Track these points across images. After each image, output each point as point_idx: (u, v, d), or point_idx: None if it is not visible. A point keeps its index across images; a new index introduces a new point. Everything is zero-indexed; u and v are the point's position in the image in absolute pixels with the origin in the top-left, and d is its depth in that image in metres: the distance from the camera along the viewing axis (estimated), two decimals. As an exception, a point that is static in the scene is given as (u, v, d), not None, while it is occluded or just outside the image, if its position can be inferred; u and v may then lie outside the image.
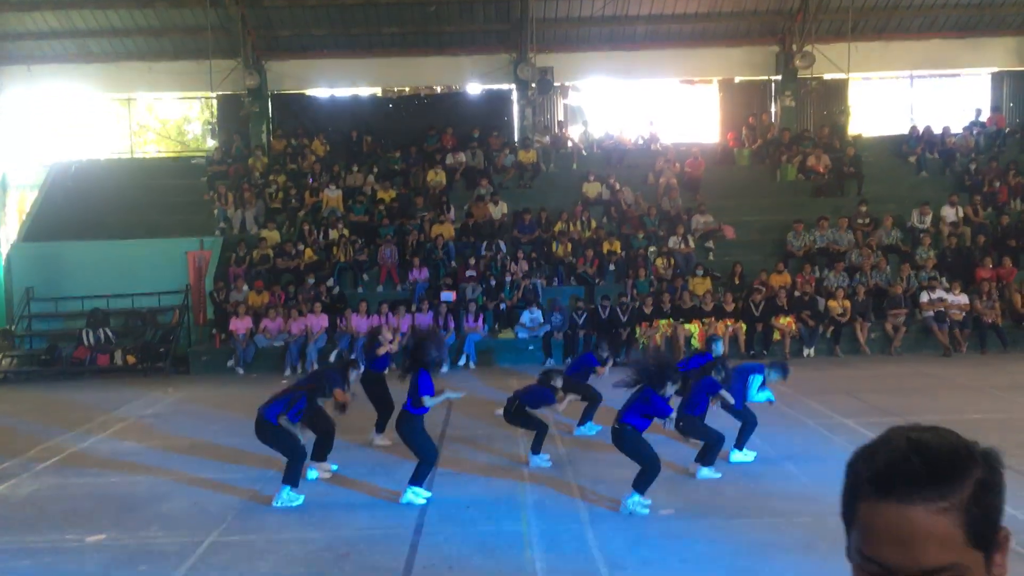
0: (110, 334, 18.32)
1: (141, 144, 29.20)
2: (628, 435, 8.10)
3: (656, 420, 8.30)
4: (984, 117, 24.11)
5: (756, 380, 9.70)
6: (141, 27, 23.17)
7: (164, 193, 22.41)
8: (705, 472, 8.97)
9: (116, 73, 23.76)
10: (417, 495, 8.26)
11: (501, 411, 12.23)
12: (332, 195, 21.21)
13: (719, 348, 11.68)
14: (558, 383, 10.28)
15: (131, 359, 17.75)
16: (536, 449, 9.71)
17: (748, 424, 9.56)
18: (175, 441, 11.31)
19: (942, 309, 17.47)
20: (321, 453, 9.45)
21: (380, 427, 10.72)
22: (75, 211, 21.42)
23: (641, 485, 7.90)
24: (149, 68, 23.56)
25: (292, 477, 8.34)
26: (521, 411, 10.01)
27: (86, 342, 18.03)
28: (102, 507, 8.56)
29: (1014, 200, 21.05)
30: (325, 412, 9.49)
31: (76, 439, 11.56)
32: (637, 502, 7.85)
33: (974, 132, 23.48)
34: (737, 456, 9.51)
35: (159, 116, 31.35)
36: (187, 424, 12.45)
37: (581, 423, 11.15)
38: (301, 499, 8.35)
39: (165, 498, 8.81)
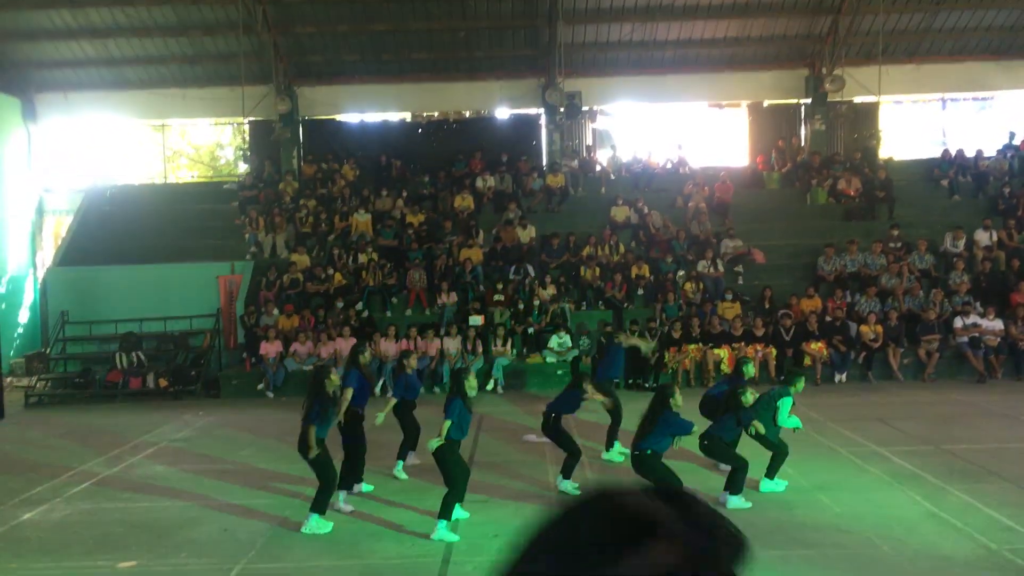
0: (143, 357, 18.50)
1: (174, 169, 29.66)
2: (647, 459, 8.08)
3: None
4: (1018, 140, 23.81)
5: (786, 404, 9.57)
6: (175, 55, 23.56)
7: (196, 218, 22.69)
8: (734, 502, 8.88)
9: (150, 100, 24.14)
10: (446, 532, 8.19)
11: (531, 436, 12.30)
12: (361, 219, 21.36)
13: (750, 371, 11.59)
14: (586, 384, 10.26)
15: (163, 382, 17.91)
16: (566, 474, 9.66)
17: (779, 453, 9.46)
18: (205, 465, 11.39)
19: (977, 335, 17.21)
20: (349, 481, 9.46)
21: (403, 453, 10.69)
22: (109, 236, 21.74)
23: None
24: (183, 95, 23.93)
25: (321, 505, 8.36)
26: (557, 425, 9.95)
27: (119, 365, 18.23)
28: (133, 533, 8.63)
29: (1049, 224, 20.75)
30: (358, 429, 9.55)
31: (108, 463, 11.67)
32: None
33: (1008, 155, 23.20)
34: (767, 485, 9.41)
35: (192, 141, 31.81)
36: (217, 448, 12.53)
37: (608, 447, 11.11)
38: (330, 527, 8.36)
39: (195, 524, 8.86)
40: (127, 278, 19.71)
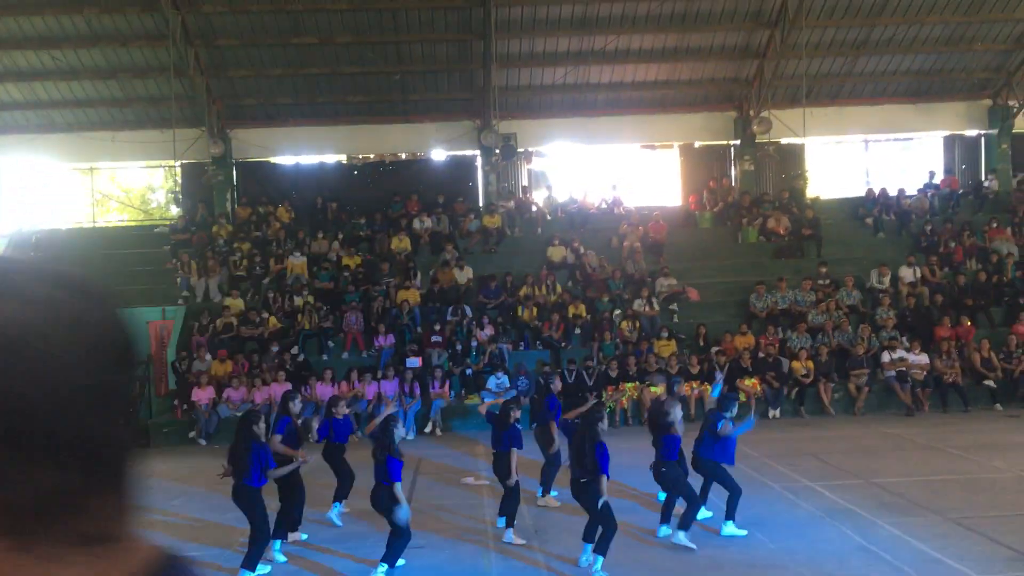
0: (69, 406, 17.94)
1: (103, 212, 29.05)
2: (588, 487, 8.09)
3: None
4: (938, 179, 24.74)
5: (723, 422, 9.50)
6: (104, 98, 23.21)
7: (126, 262, 22.20)
8: (681, 537, 8.88)
9: (79, 143, 23.70)
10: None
11: (469, 479, 12.22)
12: (297, 262, 21.17)
13: (716, 390, 11.43)
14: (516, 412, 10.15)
15: (90, 432, 17.37)
16: (507, 519, 9.52)
17: (734, 493, 9.34)
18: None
19: (903, 369, 17.68)
20: (284, 530, 9.26)
21: (339, 496, 10.53)
22: (35, 281, 21.11)
23: (601, 544, 7.90)
24: (112, 138, 23.54)
25: (253, 560, 8.14)
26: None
27: (44, 415, 17.65)
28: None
29: (969, 260, 21.49)
30: (296, 475, 9.36)
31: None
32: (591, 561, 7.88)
33: (928, 194, 24.05)
34: (729, 529, 9.27)
35: (122, 185, 31.25)
36: (147, 498, 12.11)
37: (545, 491, 11.01)
38: None
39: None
40: (53, 325, 19.13)
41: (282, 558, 8.94)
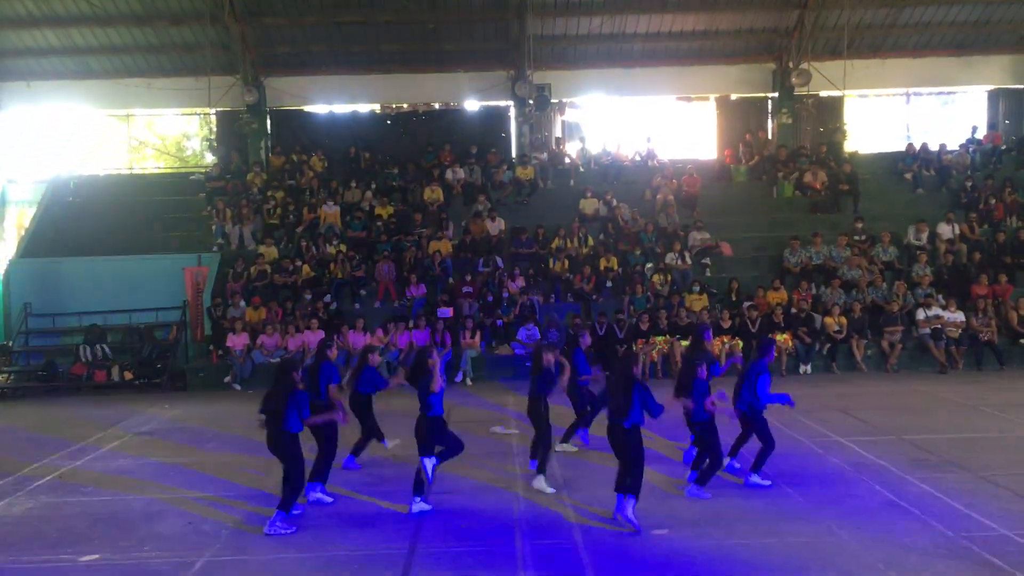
0: (107, 350, 18.32)
1: (139, 160, 29.29)
2: (627, 433, 8.16)
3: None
4: (980, 135, 24.19)
5: (765, 379, 9.40)
6: (140, 44, 23.27)
7: (162, 209, 22.45)
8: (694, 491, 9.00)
9: (115, 90, 23.83)
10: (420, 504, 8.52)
11: (498, 427, 12.35)
12: (330, 211, 21.26)
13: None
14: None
15: (128, 375, 17.74)
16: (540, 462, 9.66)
17: (767, 445, 9.39)
18: (171, 458, 11.30)
19: (939, 326, 17.48)
20: (324, 474, 9.39)
21: (357, 450, 10.61)
22: (73, 227, 21.48)
23: (634, 487, 8.03)
24: (148, 85, 23.64)
25: (287, 503, 8.29)
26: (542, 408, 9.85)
27: (83, 358, 18.03)
28: (96, 526, 8.56)
29: (1010, 217, 21.09)
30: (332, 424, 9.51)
31: (71, 456, 11.56)
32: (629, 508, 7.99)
33: (970, 150, 23.56)
34: (755, 479, 9.36)
35: (158, 132, 31.43)
36: (183, 441, 12.45)
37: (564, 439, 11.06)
38: (292, 531, 8.25)
39: (159, 517, 8.81)
40: (91, 270, 19.47)
41: (328, 498, 9.15)
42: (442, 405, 8.78)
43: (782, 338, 17.29)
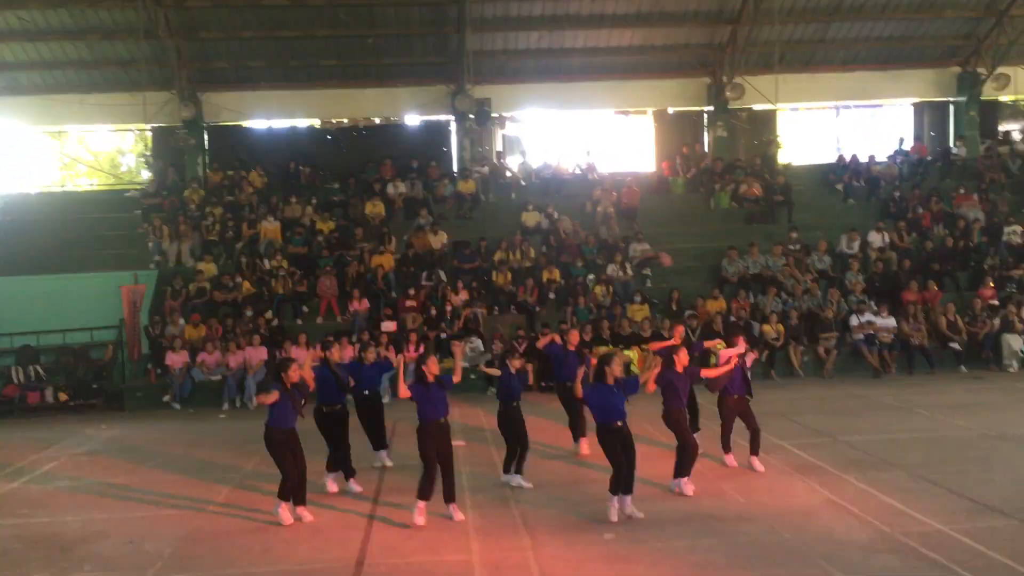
0: (41, 371, 17.86)
1: (72, 177, 28.66)
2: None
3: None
4: (907, 146, 25.00)
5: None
6: (72, 60, 22.81)
7: (96, 226, 21.97)
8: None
9: (46, 106, 23.31)
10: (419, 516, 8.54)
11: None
12: (270, 226, 21.05)
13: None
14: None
15: (63, 396, 17.31)
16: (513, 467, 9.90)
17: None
18: (109, 479, 11.06)
19: (871, 332, 17.98)
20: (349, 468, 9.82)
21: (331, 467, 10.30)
22: (3, 246, 20.90)
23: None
24: (80, 101, 23.17)
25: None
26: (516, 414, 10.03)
27: (15, 379, 17.55)
28: (33, 548, 8.35)
29: (936, 226, 21.80)
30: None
31: (6, 479, 11.24)
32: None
33: (898, 161, 24.32)
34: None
35: (91, 148, 30.81)
36: (122, 461, 12.19)
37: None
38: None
39: (99, 537, 8.63)
40: (23, 289, 18.99)
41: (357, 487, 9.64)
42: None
43: (721, 347, 17.55)
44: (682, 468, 9.32)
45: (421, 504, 8.45)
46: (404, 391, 8.56)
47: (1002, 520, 8.08)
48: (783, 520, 8.28)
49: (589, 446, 10.98)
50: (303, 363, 9.37)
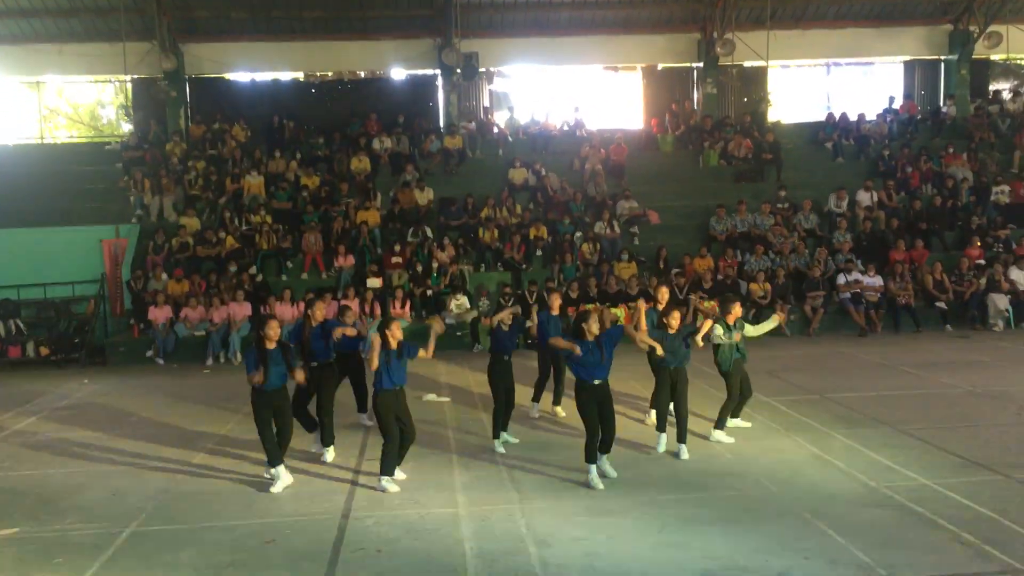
0: (21, 325, 17.65)
1: (52, 129, 28.15)
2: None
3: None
4: (897, 105, 24.86)
5: (715, 329, 9.77)
6: (50, 8, 22.30)
7: (77, 180, 21.65)
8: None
9: (24, 55, 22.87)
10: (389, 484, 8.21)
11: (431, 395, 12.29)
12: (254, 181, 20.78)
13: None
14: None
15: (44, 351, 17.12)
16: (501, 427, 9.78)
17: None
18: (91, 432, 10.96)
19: (858, 291, 17.97)
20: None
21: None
22: (-18, 199, 20.59)
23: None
24: (59, 50, 22.74)
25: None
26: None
27: (-5, 334, 17.36)
28: (15, 500, 8.26)
29: (925, 185, 21.74)
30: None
31: (-14, 433, 11.12)
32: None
33: (887, 119, 24.19)
34: (718, 435, 9.65)
35: (70, 100, 30.25)
36: (104, 415, 12.08)
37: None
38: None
39: (82, 489, 8.53)
40: (3, 242, 18.70)
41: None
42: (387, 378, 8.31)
43: (709, 305, 17.54)
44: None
45: (386, 479, 8.26)
46: (374, 361, 8.23)
47: (987, 475, 8.09)
48: (770, 475, 8.27)
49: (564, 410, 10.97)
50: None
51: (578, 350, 8.10)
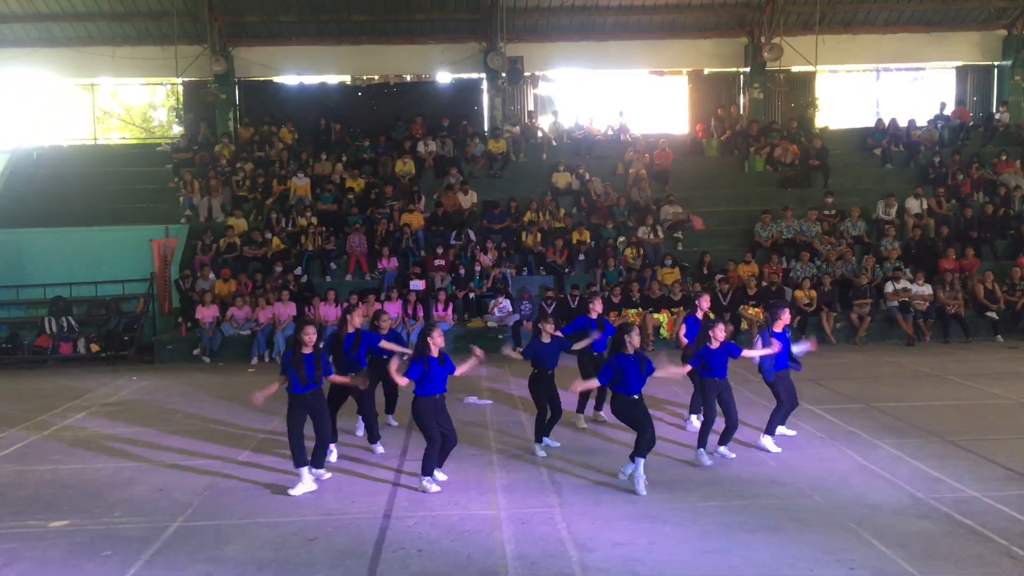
0: (73, 322, 18.04)
1: (104, 130, 28.76)
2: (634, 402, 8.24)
3: None
4: (948, 111, 24.43)
5: (763, 337, 9.63)
6: (104, 11, 22.81)
7: (128, 180, 22.11)
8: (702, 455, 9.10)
9: (79, 58, 23.39)
10: (430, 484, 8.26)
11: (472, 398, 12.33)
12: (300, 183, 21.04)
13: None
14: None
15: (95, 347, 17.49)
16: (542, 435, 9.71)
17: (781, 403, 9.59)
18: (139, 428, 11.16)
19: (906, 299, 17.68)
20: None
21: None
22: (37, 198, 21.11)
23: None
24: (113, 53, 23.22)
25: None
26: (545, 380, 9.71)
27: (48, 330, 17.75)
28: (65, 493, 8.44)
29: (977, 193, 21.34)
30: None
31: (38, 427, 11.38)
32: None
33: (938, 126, 23.79)
34: (767, 441, 9.50)
35: (123, 102, 30.89)
36: (152, 411, 12.30)
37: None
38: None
39: (130, 484, 8.70)
40: (56, 241, 19.16)
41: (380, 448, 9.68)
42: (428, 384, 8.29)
43: (753, 312, 17.41)
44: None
45: (427, 480, 8.30)
46: (400, 379, 8.28)
47: (1039, 489, 7.92)
48: (814, 484, 8.17)
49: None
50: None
51: (596, 384, 8.12)
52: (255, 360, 16.75)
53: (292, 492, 8.21)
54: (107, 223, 19.91)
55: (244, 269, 18.80)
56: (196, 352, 17.17)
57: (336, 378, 9.05)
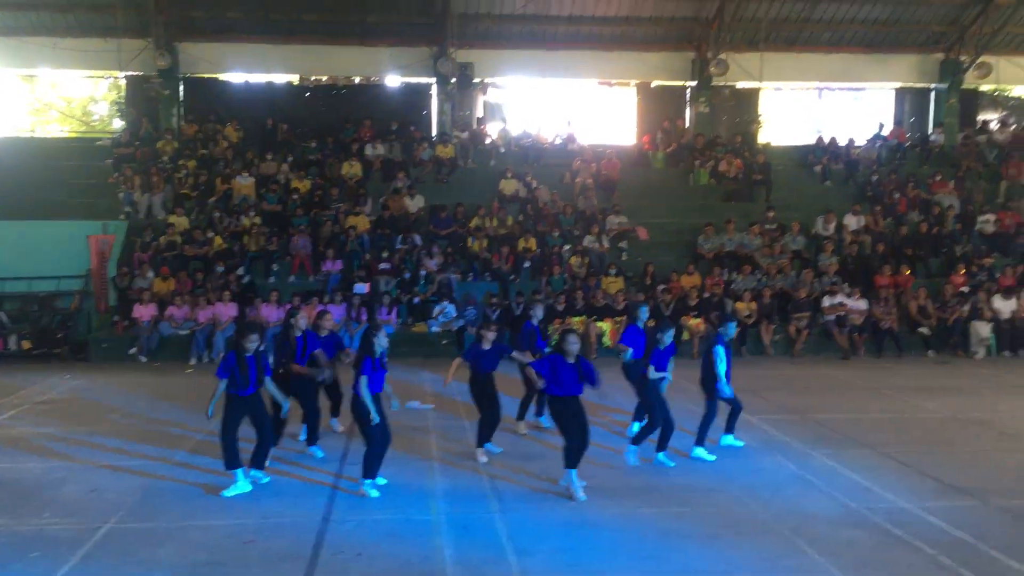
0: (4, 319, 17.53)
1: (43, 123, 28.04)
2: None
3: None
4: (886, 131, 25.06)
5: (719, 353, 9.85)
6: (47, 1, 22.21)
7: (66, 174, 21.54)
8: (632, 453, 9.31)
9: (18, 48, 22.73)
10: (370, 488, 8.19)
11: (414, 403, 12.27)
12: (244, 183, 20.75)
13: (644, 314, 11.43)
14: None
15: (27, 344, 17.02)
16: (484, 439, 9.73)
17: (735, 408, 10.12)
18: (72, 428, 10.90)
19: (843, 313, 18.07)
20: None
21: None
22: (-31, 190, 20.47)
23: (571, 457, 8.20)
24: (53, 44, 22.60)
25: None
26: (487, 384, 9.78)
27: (-22, 326, 17.24)
28: (-8, 493, 8.21)
29: (912, 211, 21.90)
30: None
31: (-35, 425, 11.04)
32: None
33: (877, 145, 24.39)
34: (697, 451, 9.68)
35: (63, 95, 30.16)
36: (85, 411, 12.02)
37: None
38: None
39: (61, 484, 8.49)
40: (-12, 235, 18.60)
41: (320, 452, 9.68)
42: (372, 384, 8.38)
43: (695, 323, 17.63)
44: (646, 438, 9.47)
45: (367, 483, 8.26)
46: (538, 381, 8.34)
47: (966, 500, 8.16)
48: (751, 492, 8.31)
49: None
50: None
51: (542, 383, 8.17)
52: (193, 360, 16.46)
53: (225, 494, 8.09)
54: (43, 217, 19.38)
55: (184, 268, 18.47)
56: (132, 351, 16.81)
57: (298, 368, 9.40)
